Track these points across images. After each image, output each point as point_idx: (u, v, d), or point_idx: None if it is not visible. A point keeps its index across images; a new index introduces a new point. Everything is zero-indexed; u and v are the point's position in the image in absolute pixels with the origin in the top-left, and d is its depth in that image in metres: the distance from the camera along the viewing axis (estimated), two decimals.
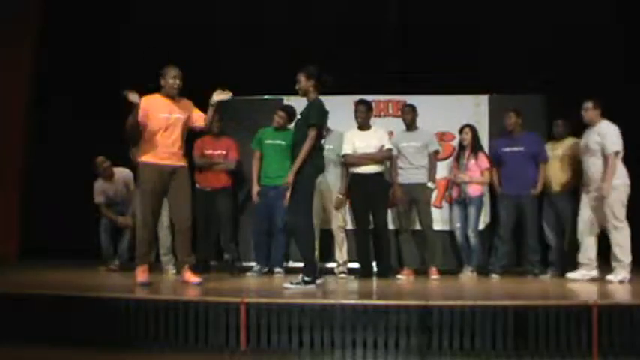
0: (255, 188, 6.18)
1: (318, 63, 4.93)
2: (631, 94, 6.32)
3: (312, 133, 4.75)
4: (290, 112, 6.16)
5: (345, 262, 6.02)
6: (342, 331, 3.72)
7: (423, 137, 6.12)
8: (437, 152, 6.20)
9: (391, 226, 6.55)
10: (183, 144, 5.03)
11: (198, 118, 5.08)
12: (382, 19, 7.50)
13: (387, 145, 6.00)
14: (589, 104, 5.59)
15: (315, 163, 4.84)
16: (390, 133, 6.43)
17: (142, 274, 4.86)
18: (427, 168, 6.06)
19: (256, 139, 6.28)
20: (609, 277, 5.38)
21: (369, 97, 6.59)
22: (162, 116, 4.88)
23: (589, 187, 5.60)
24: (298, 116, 5.06)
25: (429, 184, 6.05)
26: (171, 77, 4.89)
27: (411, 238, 6.16)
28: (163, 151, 4.88)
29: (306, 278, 4.71)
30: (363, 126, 6.08)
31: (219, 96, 4.93)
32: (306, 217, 4.84)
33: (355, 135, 6.10)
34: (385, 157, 6.01)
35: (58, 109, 7.60)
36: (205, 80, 7.24)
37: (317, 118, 4.80)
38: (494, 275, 6.06)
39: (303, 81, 4.88)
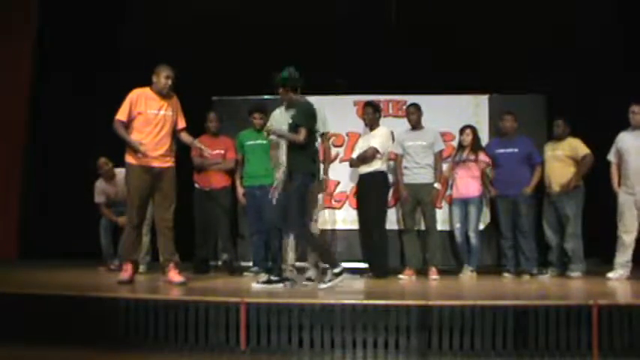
0: (240, 190, 6.20)
1: (317, 63, 4.92)
2: (631, 94, 6.29)
3: (303, 131, 4.76)
4: (263, 109, 6.13)
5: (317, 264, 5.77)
6: (342, 331, 3.72)
7: (429, 136, 6.10)
8: (441, 152, 6.17)
9: (395, 227, 6.59)
10: (172, 143, 5.01)
11: (180, 121, 5.08)
12: (382, 19, 7.50)
13: (372, 144, 5.96)
14: (637, 108, 5.76)
15: (311, 168, 4.84)
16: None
17: (124, 272, 4.91)
18: (433, 167, 6.05)
19: (238, 144, 6.26)
20: None
21: (368, 97, 6.61)
22: (151, 112, 4.88)
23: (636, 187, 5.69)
24: (289, 120, 4.97)
25: (436, 185, 6.04)
26: (165, 77, 4.90)
27: (415, 239, 6.15)
28: (150, 151, 4.84)
29: (335, 271, 4.73)
30: (371, 127, 6.14)
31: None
32: (302, 222, 4.79)
33: (363, 137, 6.24)
34: (365, 156, 5.98)
35: (58, 109, 7.60)
36: (206, 80, 7.33)
37: (306, 120, 4.79)
38: (505, 274, 6.12)
39: (281, 92, 5.02)
